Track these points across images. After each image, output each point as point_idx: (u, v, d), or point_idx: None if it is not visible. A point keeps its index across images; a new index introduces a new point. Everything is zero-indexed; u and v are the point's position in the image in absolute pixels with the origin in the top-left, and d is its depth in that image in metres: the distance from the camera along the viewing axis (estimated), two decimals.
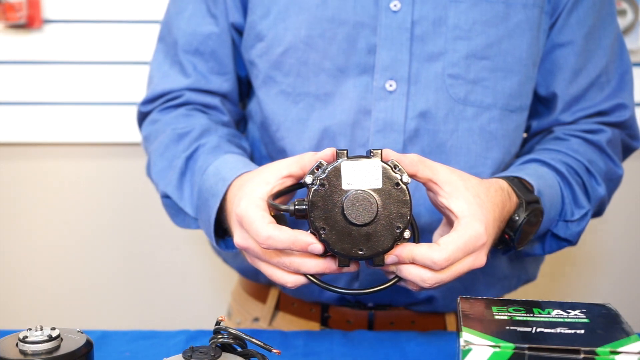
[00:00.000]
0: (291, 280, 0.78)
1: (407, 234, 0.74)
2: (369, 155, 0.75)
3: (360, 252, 0.73)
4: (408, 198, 0.73)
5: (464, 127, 0.97)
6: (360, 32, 0.96)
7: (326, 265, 0.76)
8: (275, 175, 0.79)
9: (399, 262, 0.75)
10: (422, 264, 0.74)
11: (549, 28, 1.00)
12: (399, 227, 0.73)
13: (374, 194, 0.73)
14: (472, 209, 0.77)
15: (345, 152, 0.75)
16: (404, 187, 0.74)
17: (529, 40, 0.97)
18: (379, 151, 0.74)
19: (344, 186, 0.73)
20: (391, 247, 0.73)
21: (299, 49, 0.97)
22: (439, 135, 0.97)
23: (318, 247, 0.73)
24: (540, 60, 1.01)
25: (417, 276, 0.76)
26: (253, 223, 0.75)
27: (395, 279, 0.78)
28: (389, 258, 0.75)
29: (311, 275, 0.77)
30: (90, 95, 1.56)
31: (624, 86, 1.03)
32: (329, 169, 0.74)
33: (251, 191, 0.78)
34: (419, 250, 0.74)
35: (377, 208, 0.73)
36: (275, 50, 0.98)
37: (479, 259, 0.78)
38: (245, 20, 1.01)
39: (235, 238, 0.80)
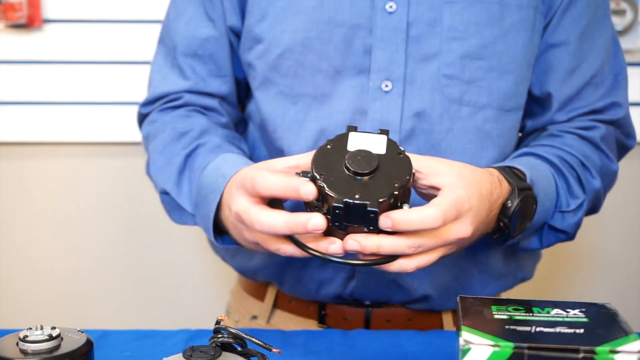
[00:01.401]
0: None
1: (406, 207, 0.74)
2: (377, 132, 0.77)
3: (356, 196, 0.72)
4: (409, 165, 0.75)
5: (459, 126, 0.98)
6: (357, 33, 0.96)
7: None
8: (282, 163, 0.80)
9: (393, 227, 0.73)
10: (421, 226, 0.73)
11: (543, 28, 1.00)
12: (397, 184, 0.73)
13: (377, 154, 0.75)
14: (453, 180, 0.77)
15: (355, 127, 0.78)
16: (407, 156, 0.75)
17: (524, 41, 0.98)
18: (387, 131, 0.77)
19: (349, 148, 0.75)
20: (387, 198, 0.72)
21: (296, 51, 0.97)
22: (435, 135, 0.97)
23: (311, 187, 0.72)
24: (534, 60, 1.01)
25: (416, 242, 0.75)
26: (247, 173, 0.76)
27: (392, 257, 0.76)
28: (383, 220, 0.72)
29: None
30: (90, 95, 1.56)
31: (618, 85, 1.04)
32: (336, 136, 0.76)
33: (255, 166, 0.80)
34: (414, 214, 0.72)
35: (378, 163, 0.74)
36: (273, 52, 0.98)
37: (464, 227, 0.77)
38: (243, 23, 1.02)
39: (234, 206, 0.78)
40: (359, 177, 0.73)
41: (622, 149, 1.08)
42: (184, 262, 1.69)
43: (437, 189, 0.78)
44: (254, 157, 1.08)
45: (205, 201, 0.90)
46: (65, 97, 1.56)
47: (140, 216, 1.66)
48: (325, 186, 0.72)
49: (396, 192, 0.73)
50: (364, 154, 0.74)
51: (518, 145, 1.07)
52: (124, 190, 1.64)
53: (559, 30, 1.00)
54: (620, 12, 1.53)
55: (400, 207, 0.74)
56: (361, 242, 0.74)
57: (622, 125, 1.05)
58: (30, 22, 1.50)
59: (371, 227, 0.73)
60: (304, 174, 0.75)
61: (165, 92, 1.04)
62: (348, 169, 0.73)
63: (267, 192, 0.75)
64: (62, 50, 1.54)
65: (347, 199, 0.71)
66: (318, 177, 0.73)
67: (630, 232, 1.69)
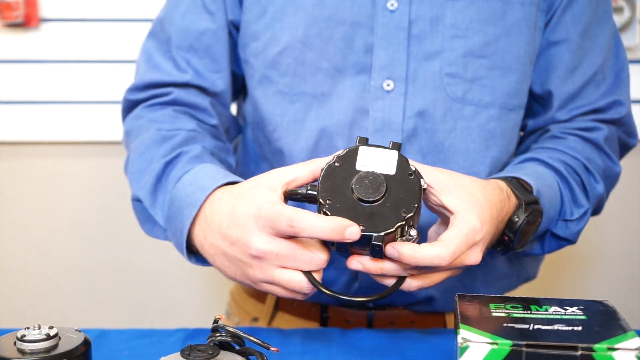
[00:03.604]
0: (305, 283, 0.75)
1: (413, 232, 0.73)
2: (388, 147, 0.76)
3: (360, 227, 0.71)
4: (418, 188, 0.73)
5: (462, 126, 0.97)
6: (358, 31, 0.95)
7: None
8: (278, 181, 0.77)
9: (399, 260, 0.73)
10: (428, 264, 0.72)
11: (544, 25, 1.00)
12: (404, 212, 0.72)
13: (385, 178, 0.73)
14: (465, 205, 0.77)
15: (366, 139, 0.76)
16: (417, 178, 0.74)
17: (526, 38, 0.97)
18: (399, 144, 0.75)
19: (358, 167, 0.74)
20: (393, 231, 0.72)
21: (296, 49, 0.97)
22: (437, 135, 0.97)
23: (355, 229, 0.70)
24: (535, 58, 1.01)
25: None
26: (283, 212, 0.72)
27: (398, 282, 0.77)
28: (390, 251, 0.72)
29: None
30: (87, 94, 1.56)
31: (620, 83, 1.03)
32: (346, 150, 0.75)
33: (266, 197, 0.75)
34: (423, 251, 0.72)
35: (386, 189, 0.72)
36: (272, 50, 0.98)
37: (474, 256, 0.77)
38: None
39: (256, 244, 0.74)
40: (365, 204, 0.72)
41: (624, 148, 1.07)
42: (183, 261, 1.68)
43: (449, 211, 0.77)
44: (248, 159, 1.07)
45: (178, 215, 0.84)
46: (63, 96, 1.56)
47: None
48: (330, 214, 0.72)
49: (402, 223, 0.72)
50: (371, 178, 0.73)
51: (519, 145, 1.07)
52: (123, 189, 1.62)
53: (560, 28, 1.00)
54: (618, 10, 1.53)
55: (408, 231, 0.73)
56: (365, 264, 0.75)
57: (624, 124, 1.04)
58: (27, 21, 1.50)
59: (376, 255, 0.74)
60: (311, 187, 0.75)
61: (155, 81, 1.01)
62: (354, 195, 0.73)
63: (307, 233, 0.71)
64: (59, 49, 1.54)
65: None
66: (323, 202, 0.73)
67: (630, 230, 1.69)
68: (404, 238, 0.73)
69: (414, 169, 0.74)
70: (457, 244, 0.73)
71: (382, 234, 0.71)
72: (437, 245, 0.73)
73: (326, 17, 0.95)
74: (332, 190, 0.73)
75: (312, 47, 0.96)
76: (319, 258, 0.74)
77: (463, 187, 0.78)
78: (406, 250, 0.72)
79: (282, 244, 0.74)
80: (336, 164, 0.74)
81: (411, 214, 0.72)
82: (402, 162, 0.74)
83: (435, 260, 0.72)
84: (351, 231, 0.70)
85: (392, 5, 0.95)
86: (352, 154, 0.75)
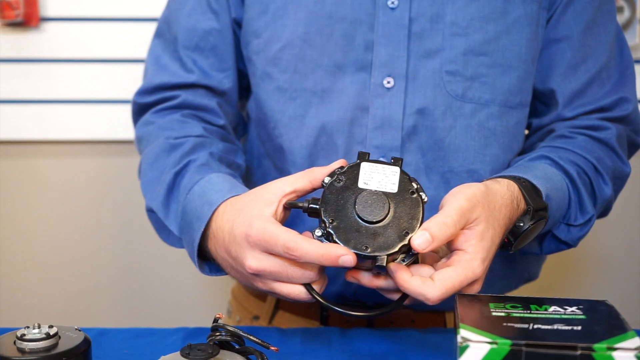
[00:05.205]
0: (304, 294, 0.77)
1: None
2: (390, 162, 0.77)
3: (364, 248, 0.73)
4: (420, 207, 0.75)
5: (462, 123, 0.97)
6: (358, 29, 0.96)
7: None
8: (277, 194, 0.78)
9: (393, 279, 0.75)
10: (415, 296, 0.74)
11: (546, 23, 1.00)
12: (407, 233, 0.73)
13: (388, 197, 0.74)
14: (478, 248, 0.77)
15: (367, 154, 0.77)
16: (418, 196, 0.75)
17: (527, 36, 0.97)
18: (400, 160, 0.77)
19: (360, 185, 0.75)
20: (397, 251, 0.73)
21: (296, 46, 0.97)
22: (437, 132, 0.97)
23: (349, 258, 0.72)
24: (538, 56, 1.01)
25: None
26: (279, 237, 0.74)
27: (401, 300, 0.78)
28: (388, 269, 0.74)
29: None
30: (88, 93, 1.56)
31: (625, 81, 1.03)
32: (348, 166, 0.76)
33: (259, 212, 0.77)
34: (413, 285, 0.73)
35: (389, 209, 0.74)
36: (273, 47, 0.98)
37: (471, 288, 0.77)
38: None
39: (249, 262, 0.77)
40: (368, 224, 0.73)
41: (632, 147, 1.07)
42: (183, 260, 1.68)
43: (458, 244, 0.77)
44: (252, 155, 1.08)
45: (190, 228, 0.86)
46: (63, 95, 1.55)
47: (139, 214, 1.64)
48: (334, 234, 0.73)
49: (405, 243, 0.73)
50: (374, 198, 0.74)
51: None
52: (122, 188, 1.64)
53: (561, 25, 0.99)
54: (618, 10, 1.53)
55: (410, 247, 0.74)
56: (360, 280, 0.78)
57: (631, 122, 1.03)
58: (27, 20, 1.50)
59: (380, 273, 0.75)
60: (313, 201, 0.75)
61: (163, 83, 1.02)
62: (357, 215, 0.74)
63: (303, 260, 0.73)
64: (59, 49, 1.53)
65: (356, 252, 0.73)
66: (327, 223, 0.73)
67: (632, 231, 1.69)
68: (404, 256, 0.75)
69: (415, 187, 0.76)
70: (446, 287, 0.73)
71: (385, 255, 0.73)
72: (427, 284, 0.73)
73: (326, 15, 0.96)
74: (336, 210, 0.74)
75: (312, 44, 0.96)
76: (309, 274, 0.76)
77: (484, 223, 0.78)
78: (399, 276, 0.74)
79: (274, 262, 0.76)
80: (338, 182, 0.75)
81: (414, 234, 0.73)
82: (404, 179, 0.76)
83: (420, 297, 0.73)
84: (344, 260, 0.72)
85: (392, 3, 0.95)
86: (354, 170, 0.76)
